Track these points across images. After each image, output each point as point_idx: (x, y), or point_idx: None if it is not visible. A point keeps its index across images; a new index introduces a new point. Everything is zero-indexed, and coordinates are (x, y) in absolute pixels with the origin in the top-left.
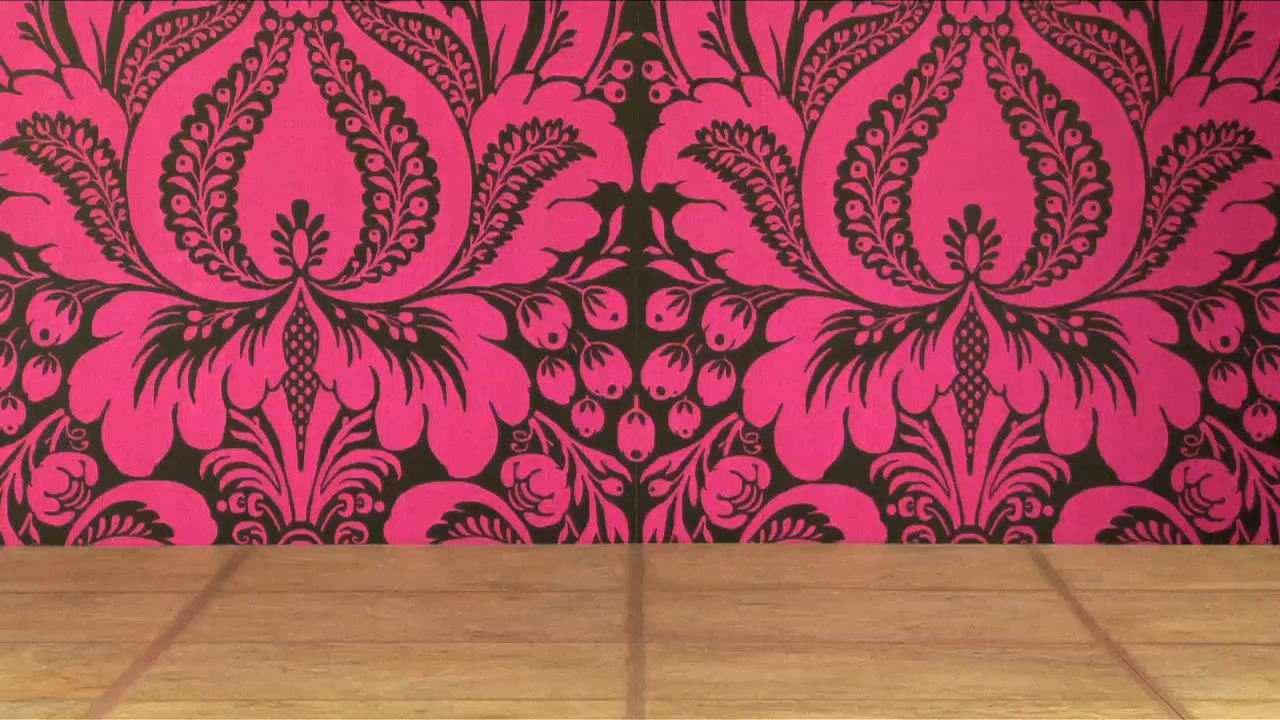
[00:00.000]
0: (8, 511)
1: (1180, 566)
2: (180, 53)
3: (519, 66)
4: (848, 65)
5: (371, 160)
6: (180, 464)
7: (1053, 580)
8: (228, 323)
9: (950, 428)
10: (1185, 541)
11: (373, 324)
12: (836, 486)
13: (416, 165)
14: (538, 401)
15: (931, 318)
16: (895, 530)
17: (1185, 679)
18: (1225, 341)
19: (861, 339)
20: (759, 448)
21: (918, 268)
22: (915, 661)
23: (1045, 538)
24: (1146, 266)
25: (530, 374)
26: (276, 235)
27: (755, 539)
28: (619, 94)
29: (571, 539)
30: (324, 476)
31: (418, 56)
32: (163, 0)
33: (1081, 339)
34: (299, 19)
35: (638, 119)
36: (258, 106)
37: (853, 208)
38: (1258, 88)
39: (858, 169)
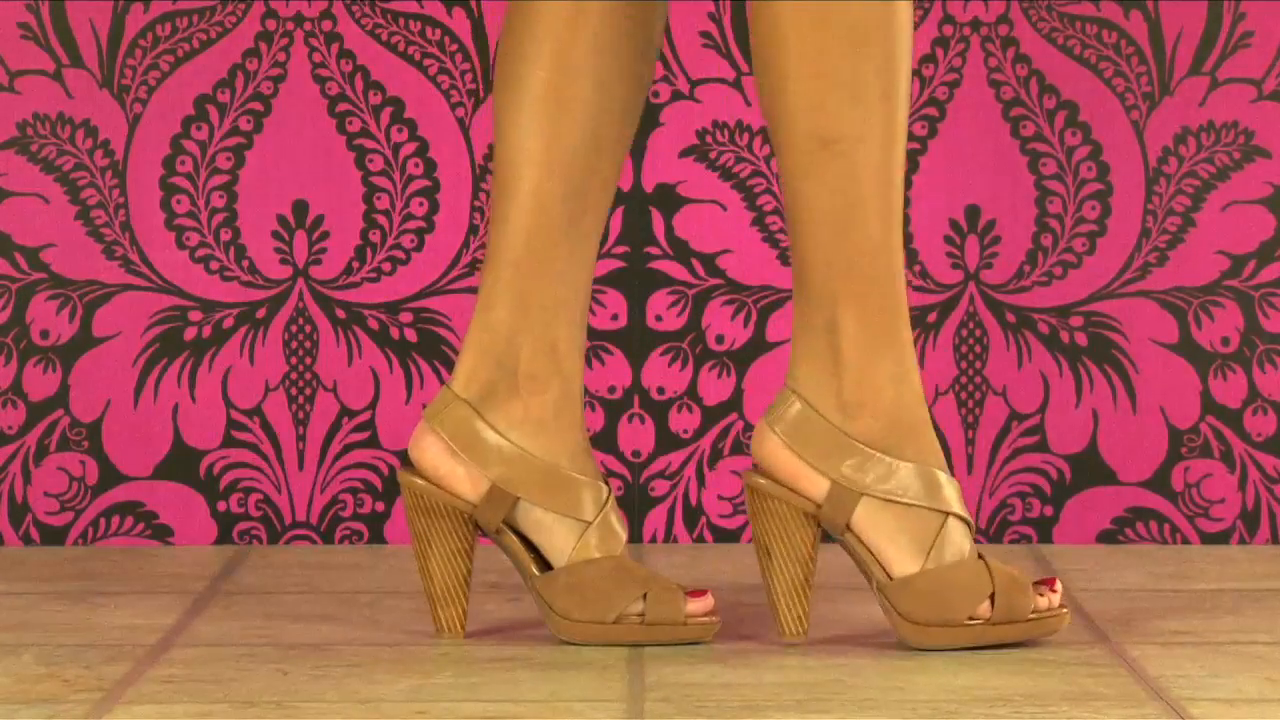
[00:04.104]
0: (8, 511)
1: (1180, 566)
2: (180, 53)
3: None
4: None
5: (371, 160)
6: (180, 464)
7: None
8: (228, 323)
9: (950, 428)
10: (1185, 541)
11: (373, 324)
12: None
13: (416, 165)
14: None
15: (931, 318)
16: None
17: (1185, 679)
18: (1225, 341)
19: None
20: None
21: (917, 268)
22: (914, 662)
23: (1045, 538)
24: (1146, 266)
25: None
26: (276, 235)
27: None
28: None
29: None
30: (324, 476)
31: (418, 56)
32: (163, 0)
33: (1081, 339)
34: (299, 19)
35: None
36: (258, 106)
37: None
38: (1258, 88)
39: None
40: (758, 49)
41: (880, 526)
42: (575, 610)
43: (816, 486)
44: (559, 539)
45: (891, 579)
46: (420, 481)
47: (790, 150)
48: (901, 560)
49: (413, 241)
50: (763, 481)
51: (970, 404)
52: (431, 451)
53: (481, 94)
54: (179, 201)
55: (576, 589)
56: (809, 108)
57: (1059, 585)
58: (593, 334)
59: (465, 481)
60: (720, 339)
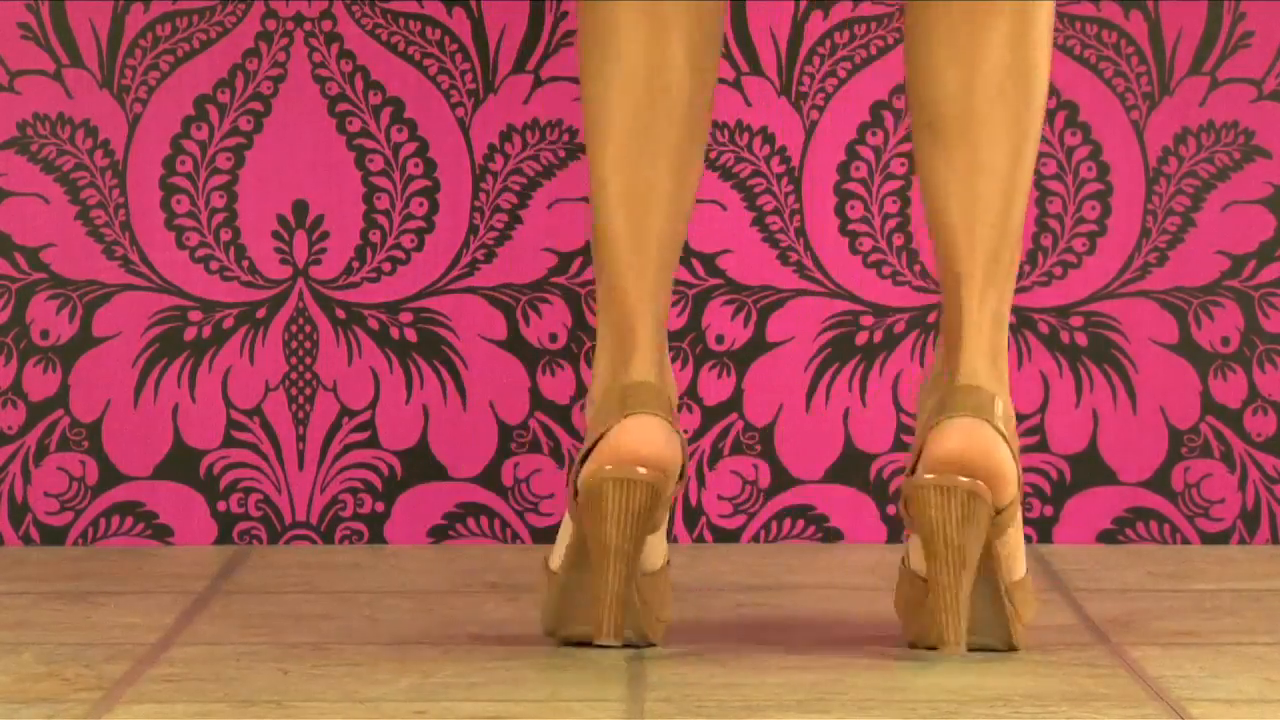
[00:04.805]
0: (7, 511)
1: (1180, 566)
2: (180, 53)
3: (519, 66)
4: (848, 65)
5: (371, 160)
6: (180, 464)
7: (1053, 580)
8: (228, 323)
9: None
10: (1185, 541)
11: (373, 324)
12: (836, 486)
13: (416, 165)
14: (538, 401)
15: (931, 318)
16: (895, 530)
17: (1185, 679)
18: (1225, 341)
19: (862, 339)
20: (759, 448)
21: (917, 268)
22: (915, 662)
23: (1045, 538)
24: (1146, 266)
25: (530, 374)
26: (276, 235)
27: (755, 539)
28: None
29: None
30: (324, 476)
31: (418, 56)
32: (163, 0)
33: (1081, 339)
34: (299, 19)
35: None
36: (258, 106)
37: (853, 208)
38: (1258, 88)
39: (858, 169)
40: (1004, 42)
41: (1019, 527)
42: (667, 611)
43: (1013, 486)
44: (662, 537)
45: (1012, 580)
46: (664, 475)
47: (1006, 140)
48: (1021, 561)
49: (413, 241)
50: (983, 486)
51: None
52: (676, 444)
53: (481, 94)
54: (179, 201)
55: (668, 589)
56: (1036, 100)
57: None
58: (593, 334)
59: (673, 478)
60: (720, 339)
